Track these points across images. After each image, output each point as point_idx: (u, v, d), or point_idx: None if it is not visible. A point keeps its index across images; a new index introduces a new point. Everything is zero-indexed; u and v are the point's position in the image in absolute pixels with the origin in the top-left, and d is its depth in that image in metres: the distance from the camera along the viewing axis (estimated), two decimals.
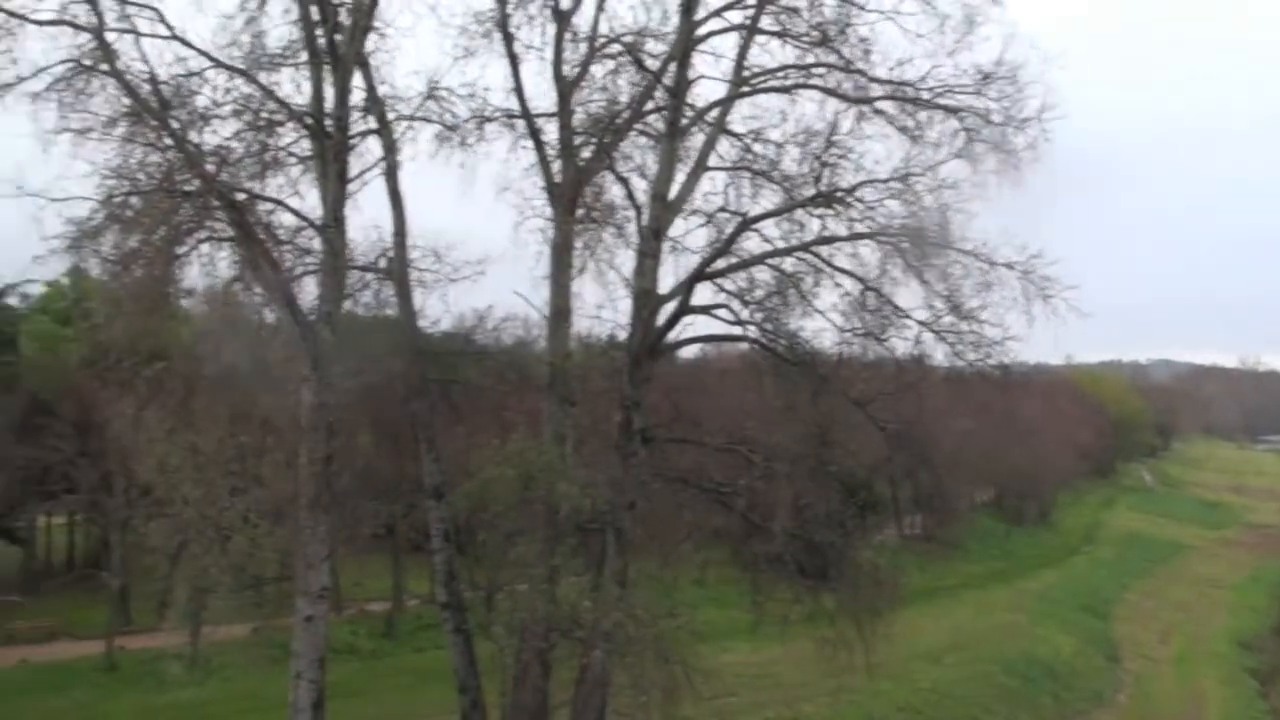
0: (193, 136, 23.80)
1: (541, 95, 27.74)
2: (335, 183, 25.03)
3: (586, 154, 27.64)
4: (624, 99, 28.18)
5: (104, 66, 22.85)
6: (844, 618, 26.48)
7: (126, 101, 23.09)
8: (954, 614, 74.69)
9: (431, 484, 27.71)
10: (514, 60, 27.15)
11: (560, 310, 27.31)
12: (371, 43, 25.98)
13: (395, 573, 65.17)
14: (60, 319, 70.08)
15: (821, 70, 26.64)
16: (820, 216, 26.15)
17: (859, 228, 25.63)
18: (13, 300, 78.40)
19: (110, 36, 22.94)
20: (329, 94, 25.27)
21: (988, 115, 25.48)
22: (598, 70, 28.13)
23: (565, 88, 27.34)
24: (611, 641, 22.60)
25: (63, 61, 22.91)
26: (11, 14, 22.38)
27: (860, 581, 26.73)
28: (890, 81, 26.04)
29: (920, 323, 25.67)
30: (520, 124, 27.98)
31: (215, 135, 24.57)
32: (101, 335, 24.29)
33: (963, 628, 70.78)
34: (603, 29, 27.73)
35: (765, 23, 26.87)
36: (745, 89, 27.08)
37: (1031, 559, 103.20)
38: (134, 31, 23.36)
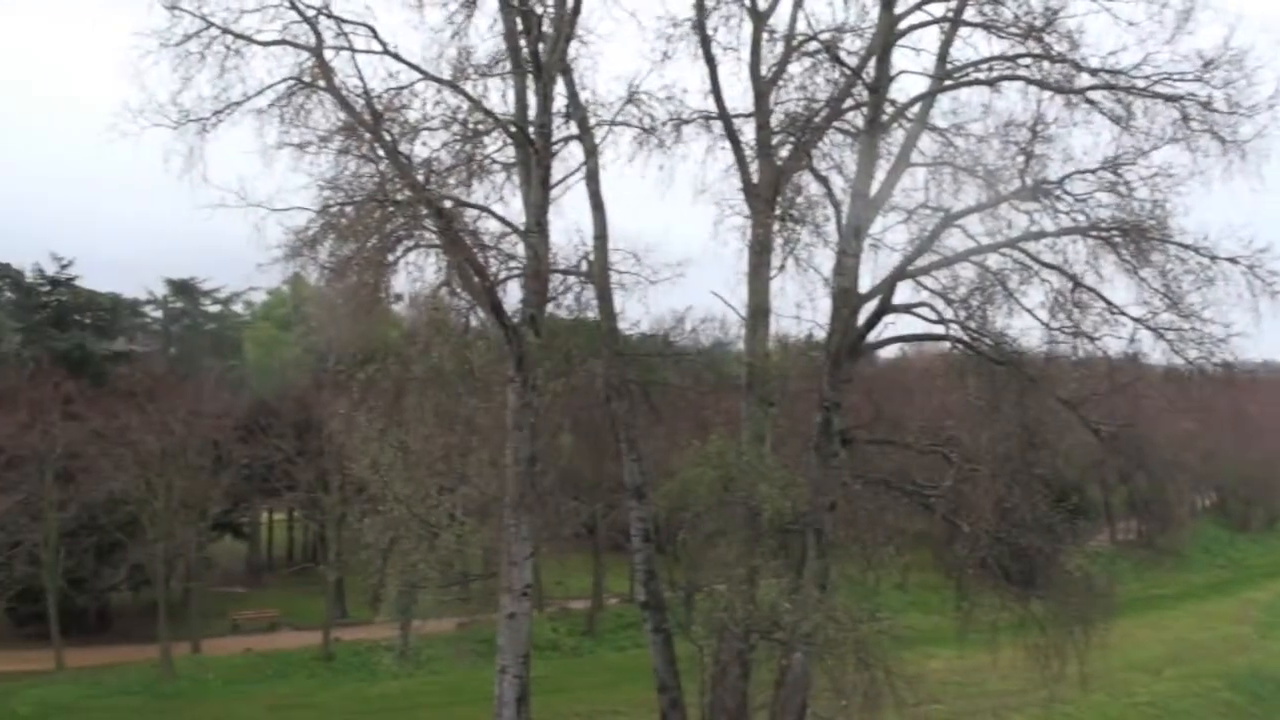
0: (403, 148, 24.54)
1: (738, 96, 27.78)
2: (538, 188, 25.53)
3: (784, 153, 27.52)
4: (822, 97, 27.94)
5: (322, 83, 23.82)
6: (1054, 626, 25.69)
7: (342, 116, 24.00)
8: (1174, 625, 71.75)
9: (632, 484, 27.95)
10: (711, 62, 27.24)
11: (758, 310, 27.25)
12: (573, 50, 26.40)
13: (596, 572, 66.01)
14: (281, 324, 73.26)
15: (1028, 61, 25.90)
16: (1026, 211, 25.41)
17: (1065, 221, 24.78)
18: (238, 307, 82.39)
19: (328, 54, 23.94)
20: (532, 102, 25.81)
21: (1210, 103, 24.37)
22: (795, 69, 27.99)
23: (762, 87, 27.30)
24: (811, 644, 22.43)
25: (284, 80, 24.01)
26: (239, 36, 23.57)
27: (1070, 589, 25.88)
28: (1102, 70, 25.11)
29: (1135, 319, 24.71)
30: (717, 125, 28.06)
31: (425, 146, 25.31)
32: (318, 339, 25.20)
33: (1184, 639, 67.90)
34: (800, 27, 27.62)
35: (969, 14, 26.23)
36: (948, 83, 26.51)
37: (1259, 568, 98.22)
38: (350, 49, 24.28)
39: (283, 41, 23.99)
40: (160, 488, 55.69)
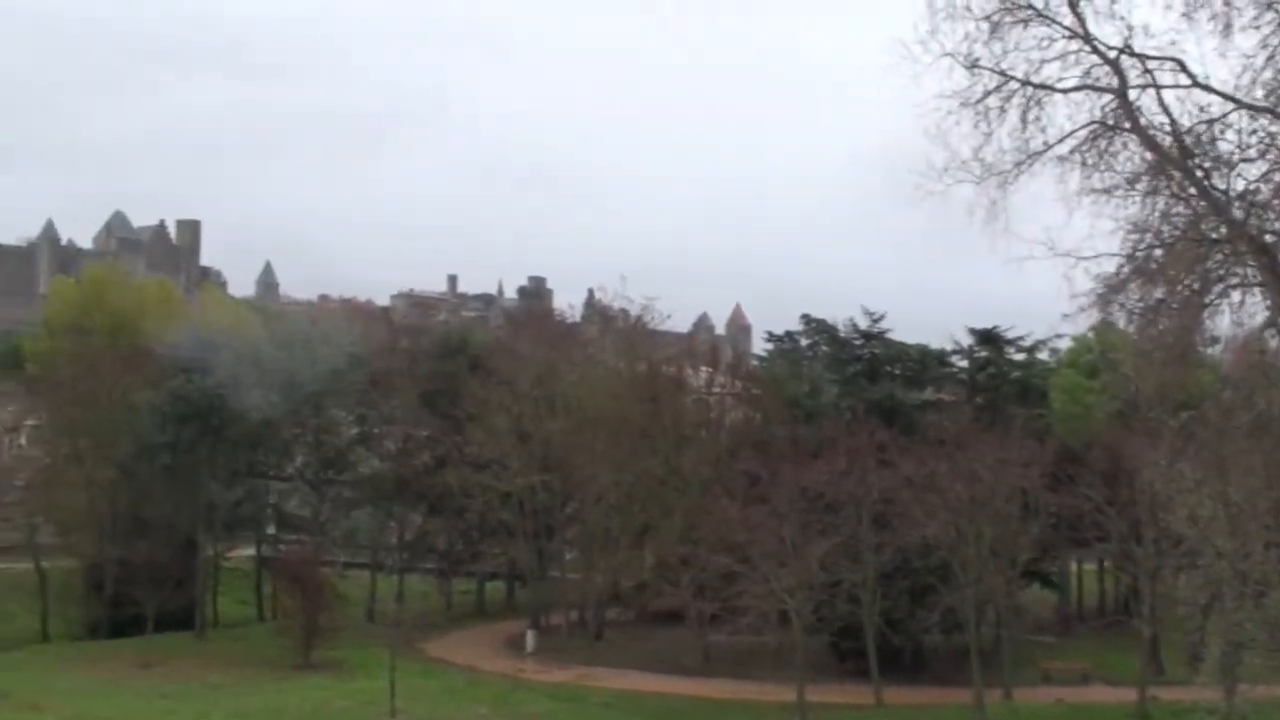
0: (1217, 182, 23.33)
1: None
2: None
3: None
4: None
5: (1125, 124, 23.32)
6: None
7: (1148, 155, 23.31)
8: None
9: None
10: None
11: None
12: None
13: None
14: (1087, 372, 72.32)
15: None
16: None
17: None
18: (1043, 355, 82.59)
19: (1131, 94, 23.39)
20: None
21: None
22: None
23: None
24: None
25: (1086, 124, 23.75)
26: (1039, 86, 23.78)
27: None
28: None
29: None
30: None
31: (1241, 179, 23.88)
32: (1128, 387, 24.63)
33: None
34: None
35: None
36: None
37: None
38: (1155, 85, 23.55)
39: (1084, 87, 23.75)
40: (970, 534, 57.03)
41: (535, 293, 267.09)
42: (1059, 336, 77.49)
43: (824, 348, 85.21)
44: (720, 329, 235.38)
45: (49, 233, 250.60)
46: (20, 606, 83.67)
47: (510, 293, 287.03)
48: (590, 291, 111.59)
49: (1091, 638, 72.19)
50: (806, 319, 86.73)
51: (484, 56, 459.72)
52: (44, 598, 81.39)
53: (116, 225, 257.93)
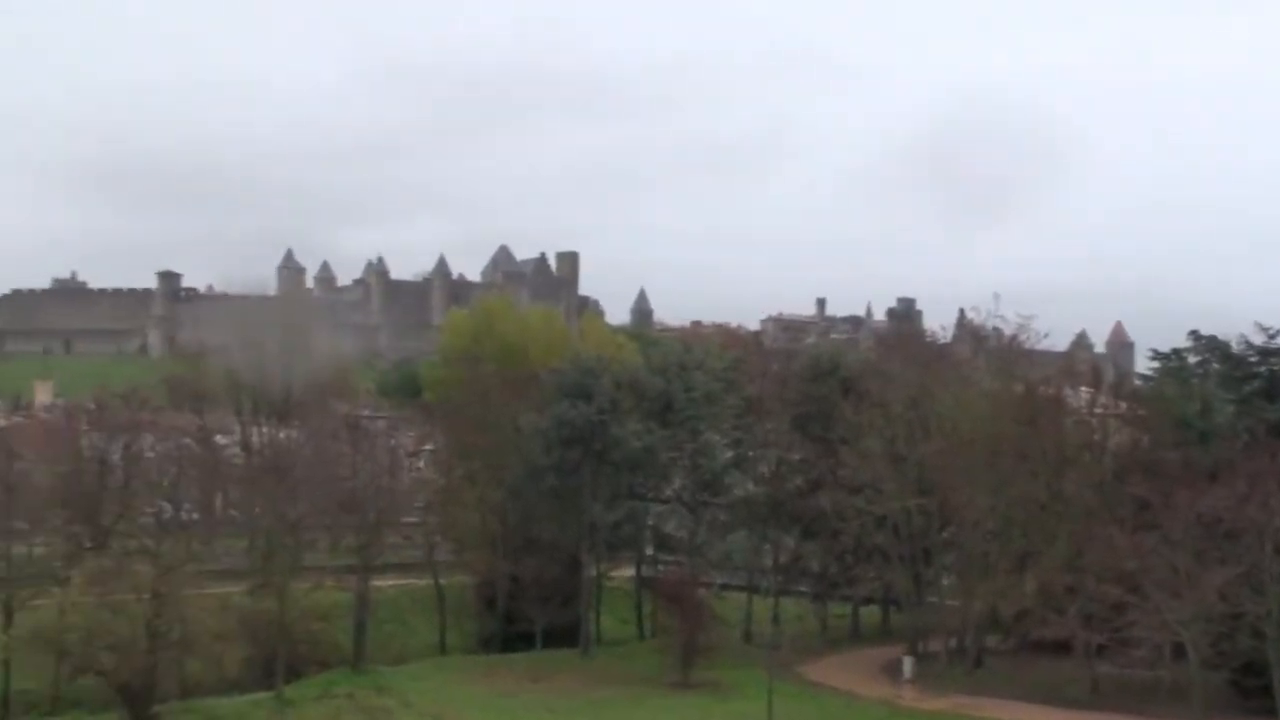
0: None
1: None
2: None
3: None
4: None
5: None
6: None
7: None
8: None
9: None
10: None
11: None
12: None
13: None
14: None
15: None
16: None
17: None
18: None
19: None
20: None
21: None
22: None
23: None
24: None
25: None
26: None
27: None
28: None
29: None
30: None
31: None
32: None
33: None
34: None
35: None
36: None
37: None
38: None
39: None
40: None
41: (904, 314, 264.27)
42: None
43: (1215, 365, 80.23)
44: (1100, 347, 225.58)
45: (441, 268, 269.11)
46: (421, 620, 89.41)
47: (879, 314, 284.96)
48: (961, 311, 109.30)
49: None
50: (1195, 335, 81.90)
51: (852, 85, 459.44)
52: (441, 612, 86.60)
53: (501, 259, 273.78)
